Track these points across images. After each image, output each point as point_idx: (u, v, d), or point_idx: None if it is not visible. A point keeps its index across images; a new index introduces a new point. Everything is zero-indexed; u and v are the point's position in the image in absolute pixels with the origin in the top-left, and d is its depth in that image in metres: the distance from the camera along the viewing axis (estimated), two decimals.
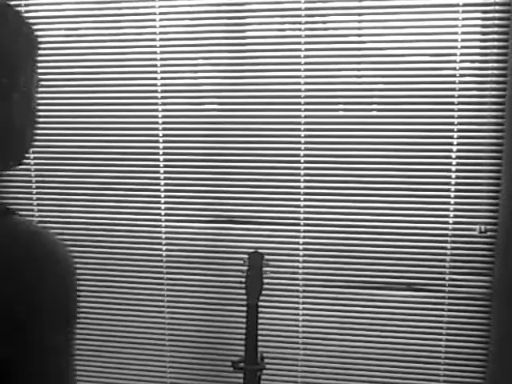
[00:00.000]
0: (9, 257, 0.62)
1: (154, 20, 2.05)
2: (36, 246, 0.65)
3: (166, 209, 2.15)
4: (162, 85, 2.07)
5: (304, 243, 2.09)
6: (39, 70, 2.17)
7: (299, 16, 1.96)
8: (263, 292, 1.72)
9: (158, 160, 2.12)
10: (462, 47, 1.89)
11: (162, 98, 2.08)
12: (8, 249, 0.63)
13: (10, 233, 0.64)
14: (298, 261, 2.10)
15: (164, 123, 2.09)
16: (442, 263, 2.02)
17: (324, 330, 2.13)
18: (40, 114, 2.20)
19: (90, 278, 2.25)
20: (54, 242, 0.67)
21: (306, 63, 1.98)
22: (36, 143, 2.22)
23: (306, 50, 1.97)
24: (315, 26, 1.97)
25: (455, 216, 1.99)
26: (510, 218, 1.91)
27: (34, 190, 2.26)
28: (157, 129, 2.11)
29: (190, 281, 2.18)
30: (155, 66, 2.08)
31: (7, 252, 0.63)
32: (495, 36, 1.88)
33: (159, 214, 2.16)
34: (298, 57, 1.98)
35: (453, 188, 1.97)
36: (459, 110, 1.93)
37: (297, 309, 2.14)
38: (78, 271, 2.27)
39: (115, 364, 2.28)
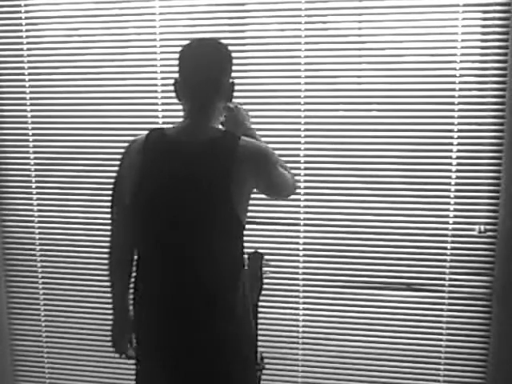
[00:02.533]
0: (248, 152, 1.39)
1: (154, 20, 2.05)
2: (257, 147, 1.44)
3: None
4: (163, 85, 2.07)
5: (304, 243, 2.09)
6: (42, 70, 2.17)
7: (299, 16, 1.96)
8: (263, 292, 1.72)
9: None
10: (462, 47, 1.89)
11: (163, 97, 2.08)
12: (247, 149, 1.39)
13: (244, 143, 1.40)
14: (298, 261, 2.10)
15: (164, 123, 2.09)
16: (442, 263, 2.02)
17: (324, 330, 2.13)
18: (40, 114, 2.20)
19: (89, 277, 2.25)
20: (259, 144, 1.47)
21: (306, 63, 1.98)
22: (36, 143, 2.22)
23: (306, 50, 1.97)
24: (315, 26, 1.97)
25: (455, 216, 1.98)
26: (510, 218, 1.91)
27: (34, 190, 2.26)
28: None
29: None
30: (155, 65, 2.08)
31: (246, 150, 1.39)
32: (495, 36, 1.88)
33: None
34: (298, 57, 1.98)
35: (453, 188, 1.97)
36: (459, 110, 1.92)
37: (297, 309, 2.14)
38: (76, 270, 2.28)
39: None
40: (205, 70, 1.42)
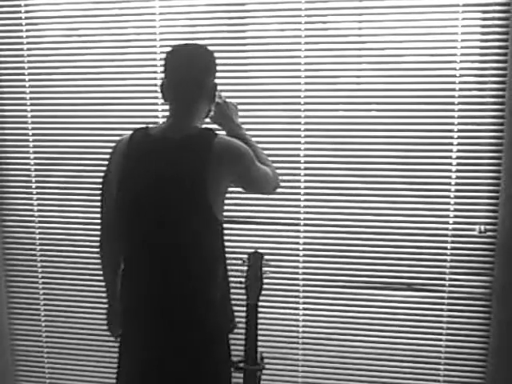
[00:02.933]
0: (223, 149, 1.43)
1: (154, 20, 2.05)
2: (233, 145, 1.47)
3: None
4: None
5: (304, 243, 2.09)
6: (42, 70, 2.17)
7: (299, 16, 1.96)
8: (263, 292, 1.72)
9: None
10: (462, 47, 1.89)
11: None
12: (222, 146, 1.43)
13: (220, 141, 1.44)
14: (298, 261, 2.10)
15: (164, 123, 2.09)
16: (442, 263, 2.02)
17: (324, 330, 2.13)
18: (40, 114, 2.20)
19: (89, 277, 2.25)
20: (235, 141, 1.50)
21: (306, 63, 1.98)
22: (36, 143, 2.22)
23: (306, 50, 1.97)
24: (315, 26, 1.97)
25: (455, 216, 1.98)
26: (510, 218, 1.91)
27: (34, 190, 2.26)
28: None
29: None
30: (155, 66, 2.08)
31: (221, 147, 1.43)
32: (495, 36, 1.88)
33: None
34: (298, 57, 1.98)
35: (453, 188, 1.97)
36: (459, 110, 1.92)
37: (297, 309, 2.14)
38: (76, 270, 2.28)
39: None
40: (188, 70, 1.50)
